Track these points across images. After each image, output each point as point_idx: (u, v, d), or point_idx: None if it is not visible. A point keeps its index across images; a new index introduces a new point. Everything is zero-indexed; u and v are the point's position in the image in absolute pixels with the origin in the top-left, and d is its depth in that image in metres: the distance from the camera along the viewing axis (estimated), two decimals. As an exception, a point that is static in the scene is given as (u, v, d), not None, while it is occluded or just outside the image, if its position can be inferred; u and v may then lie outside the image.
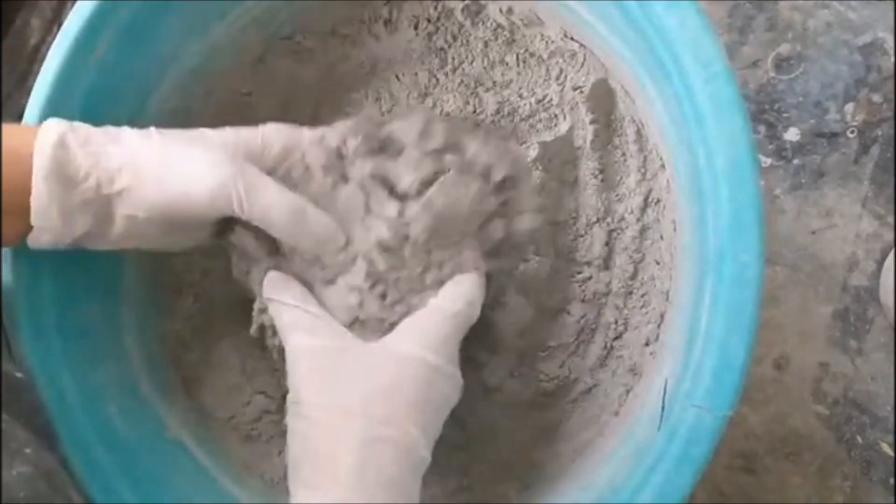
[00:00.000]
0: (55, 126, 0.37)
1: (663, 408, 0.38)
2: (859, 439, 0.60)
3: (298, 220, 0.38)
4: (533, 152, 0.46)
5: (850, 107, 0.64)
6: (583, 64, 0.47)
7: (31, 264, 0.40)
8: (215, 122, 0.48)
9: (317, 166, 0.39)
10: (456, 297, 0.38)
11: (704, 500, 0.61)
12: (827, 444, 0.61)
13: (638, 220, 0.46)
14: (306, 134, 0.40)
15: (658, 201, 0.46)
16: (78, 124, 0.37)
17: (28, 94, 0.42)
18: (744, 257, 0.35)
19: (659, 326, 0.45)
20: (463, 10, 0.49)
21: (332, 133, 0.40)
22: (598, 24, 0.44)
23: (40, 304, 0.40)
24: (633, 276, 0.46)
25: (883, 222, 0.63)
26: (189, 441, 0.45)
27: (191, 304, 0.48)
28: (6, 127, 0.36)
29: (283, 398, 0.48)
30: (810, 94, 0.65)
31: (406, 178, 0.38)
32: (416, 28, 0.50)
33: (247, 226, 0.39)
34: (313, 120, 0.49)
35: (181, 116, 0.46)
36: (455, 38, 0.49)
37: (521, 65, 0.48)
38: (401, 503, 0.35)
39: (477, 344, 0.47)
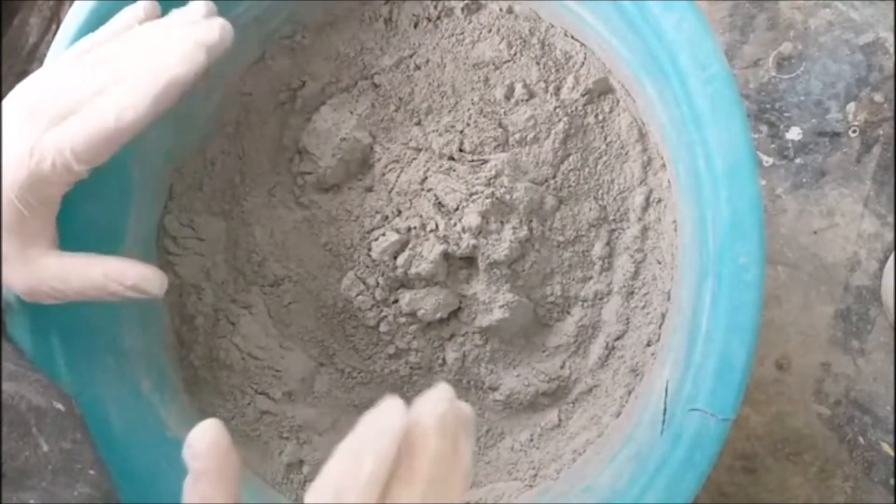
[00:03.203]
0: None
1: (665, 410, 0.38)
2: (861, 440, 0.60)
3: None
4: (534, 151, 0.46)
5: (851, 106, 0.64)
6: (583, 63, 0.47)
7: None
8: (215, 121, 0.49)
9: None
10: None
11: (705, 501, 0.60)
12: (828, 444, 0.60)
13: (639, 219, 0.46)
14: None
15: (659, 201, 0.46)
16: None
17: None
18: (743, 259, 0.35)
19: (660, 327, 0.45)
20: (463, 9, 0.49)
21: None
22: (597, 24, 0.44)
23: (40, 304, 0.40)
24: (635, 276, 0.46)
25: (884, 222, 0.62)
26: (189, 441, 0.45)
27: (192, 304, 0.48)
28: None
29: (284, 398, 0.48)
30: (812, 94, 0.64)
31: None
32: (416, 27, 0.49)
33: None
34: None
35: (181, 117, 0.46)
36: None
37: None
38: None
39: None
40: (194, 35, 0.37)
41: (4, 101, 0.38)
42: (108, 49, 0.38)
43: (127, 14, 0.40)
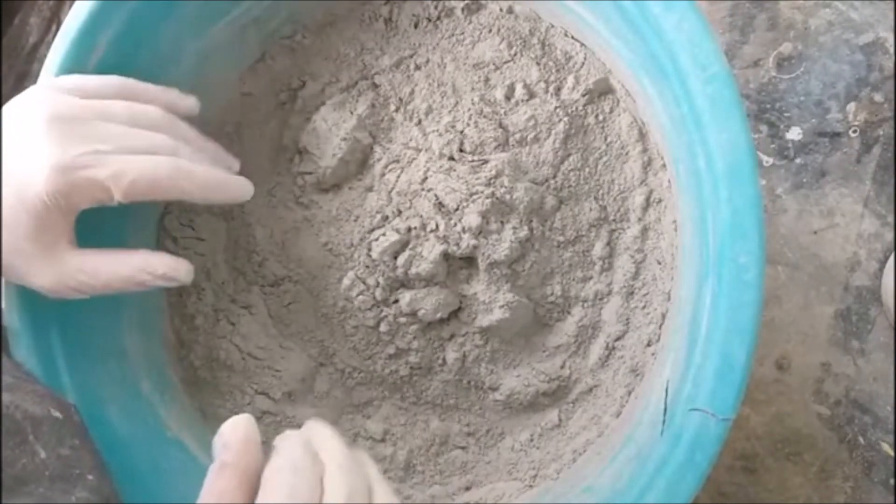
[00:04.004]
0: None
1: (665, 410, 0.38)
2: (861, 440, 0.60)
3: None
4: (535, 151, 0.46)
5: (851, 106, 0.64)
6: (584, 63, 0.47)
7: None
8: (215, 121, 0.49)
9: None
10: None
11: (705, 501, 0.60)
12: (828, 444, 0.61)
13: (639, 219, 0.46)
14: None
15: (659, 201, 0.46)
16: None
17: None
18: (743, 259, 0.35)
19: (660, 327, 0.45)
20: (463, 9, 0.49)
21: None
22: (597, 24, 0.44)
23: (40, 304, 0.40)
24: (635, 276, 0.46)
25: (884, 222, 0.62)
26: (189, 441, 0.45)
27: (192, 304, 0.48)
28: None
29: (284, 398, 0.48)
30: (812, 94, 0.65)
31: None
32: (416, 27, 0.49)
33: None
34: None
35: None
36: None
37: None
38: None
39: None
40: (246, 183, 0.43)
41: (12, 101, 0.38)
42: (158, 114, 0.41)
43: (168, 93, 0.43)
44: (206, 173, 0.40)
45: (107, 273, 0.39)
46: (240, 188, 0.42)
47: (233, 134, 0.49)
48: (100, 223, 0.42)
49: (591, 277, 0.47)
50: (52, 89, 0.40)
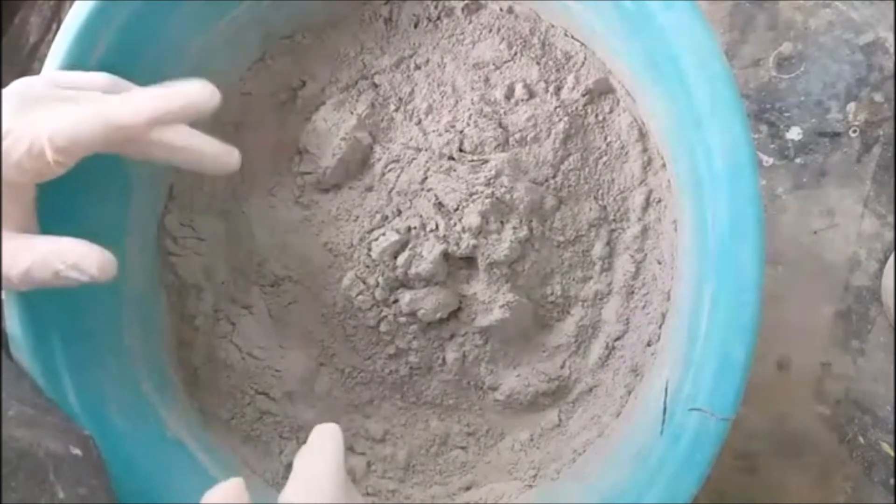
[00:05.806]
0: None
1: (665, 410, 0.38)
2: (861, 440, 0.60)
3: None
4: (535, 151, 0.46)
5: (851, 106, 0.64)
6: (584, 63, 0.47)
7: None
8: (215, 121, 0.49)
9: None
10: None
11: (705, 501, 0.60)
12: (828, 444, 0.61)
13: (639, 219, 0.46)
14: None
15: (659, 200, 0.46)
16: None
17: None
18: (743, 259, 0.35)
19: (660, 327, 0.45)
20: (463, 9, 0.49)
21: None
22: (597, 23, 0.44)
23: (40, 305, 0.40)
24: (635, 276, 0.46)
25: (884, 222, 0.62)
26: (189, 441, 0.45)
27: (192, 304, 0.48)
28: None
29: (284, 398, 0.48)
30: (812, 94, 0.65)
31: None
32: (416, 27, 0.49)
33: None
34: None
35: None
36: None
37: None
38: None
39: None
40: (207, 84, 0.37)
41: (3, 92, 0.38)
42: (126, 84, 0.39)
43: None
44: (145, 105, 0.36)
45: (26, 258, 0.35)
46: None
47: (233, 134, 0.49)
48: (100, 224, 0.42)
49: (591, 277, 0.47)
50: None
